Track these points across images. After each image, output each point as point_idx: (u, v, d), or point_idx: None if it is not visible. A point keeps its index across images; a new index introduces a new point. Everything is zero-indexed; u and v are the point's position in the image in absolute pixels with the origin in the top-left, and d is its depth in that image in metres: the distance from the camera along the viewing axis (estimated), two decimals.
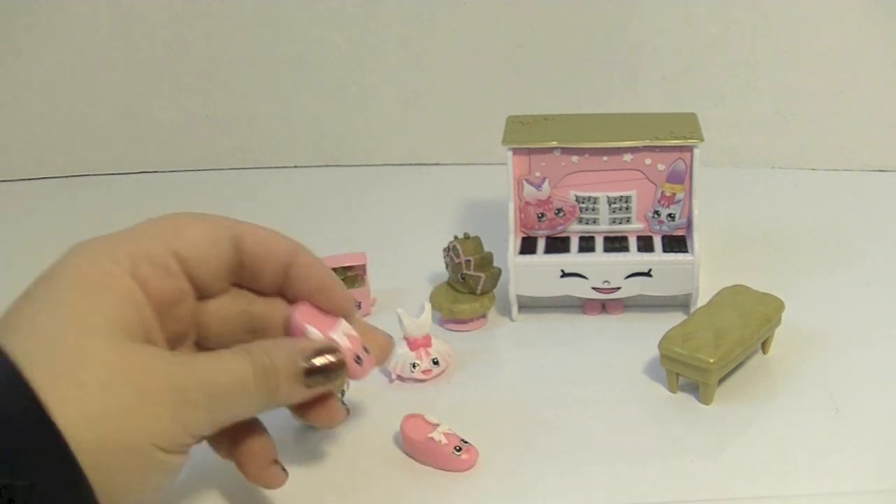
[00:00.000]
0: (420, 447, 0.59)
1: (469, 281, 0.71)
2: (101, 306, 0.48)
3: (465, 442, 0.59)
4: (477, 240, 0.72)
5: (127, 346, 0.47)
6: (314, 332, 0.53)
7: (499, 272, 0.72)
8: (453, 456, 0.59)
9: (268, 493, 0.57)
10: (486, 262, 0.72)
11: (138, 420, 0.46)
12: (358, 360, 0.54)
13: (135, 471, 0.47)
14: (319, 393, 0.53)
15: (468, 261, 0.71)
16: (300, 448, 0.61)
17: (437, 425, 0.60)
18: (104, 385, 0.45)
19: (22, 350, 0.45)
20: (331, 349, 0.52)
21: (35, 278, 0.49)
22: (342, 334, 0.54)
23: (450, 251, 0.72)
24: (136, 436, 0.46)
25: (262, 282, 0.55)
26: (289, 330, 0.54)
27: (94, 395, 0.45)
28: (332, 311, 0.55)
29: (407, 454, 0.60)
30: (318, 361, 0.52)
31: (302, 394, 0.52)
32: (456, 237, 0.72)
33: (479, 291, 0.71)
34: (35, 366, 0.45)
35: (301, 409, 0.54)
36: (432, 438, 0.59)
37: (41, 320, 0.46)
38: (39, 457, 0.43)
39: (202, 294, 0.54)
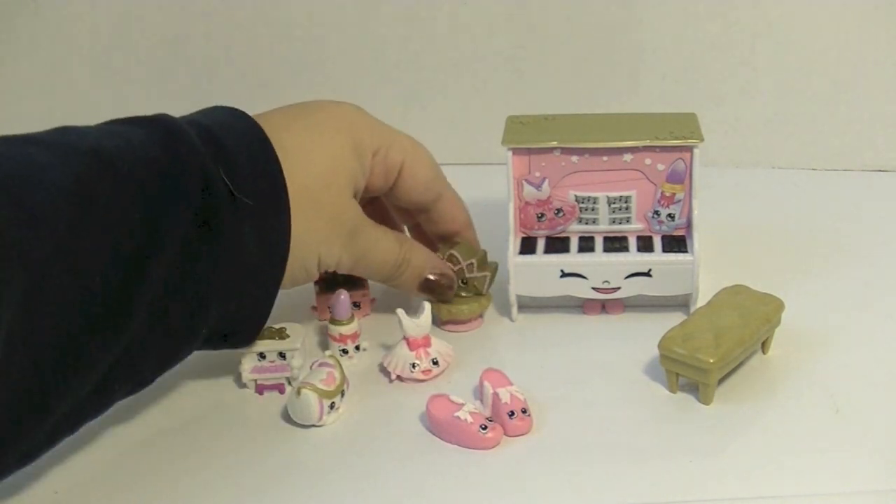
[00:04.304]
0: (446, 426, 0.60)
1: (475, 283, 0.71)
2: (350, 166, 0.65)
3: (490, 420, 0.60)
4: (470, 248, 0.73)
5: (346, 196, 0.65)
6: (488, 386, 0.63)
7: (496, 266, 0.72)
8: (479, 434, 0.59)
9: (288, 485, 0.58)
10: (484, 260, 0.72)
11: (323, 243, 0.64)
12: (512, 414, 0.61)
13: (297, 273, 0.64)
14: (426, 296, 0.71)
15: (470, 264, 0.71)
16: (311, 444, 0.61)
17: (463, 404, 0.61)
18: (321, 206, 0.63)
19: (278, 139, 0.62)
20: (448, 275, 0.70)
21: (315, 102, 0.68)
22: (507, 393, 0.62)
23: (448, 260, 0.72)
24: (314, 251, 0.64)
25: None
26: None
27: (312, 208, 0.63)
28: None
29: (433, 433, 0.61)
30: (435, 278, 0.70)
31: (411, 292, 0.71)
32: (447, 245, 0.72)
33: (485, 290, 0.72)
34: (286, 164, 0.62)
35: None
36: (458, 417, 0.60)
37: (301, 134, 0.64)
38: (271, 231, 0.61)
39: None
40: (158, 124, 0.59)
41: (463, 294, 0.72)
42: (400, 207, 0.74)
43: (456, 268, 0.72)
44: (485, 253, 0.73)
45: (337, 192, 0.64)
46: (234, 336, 0.63)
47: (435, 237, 0.74)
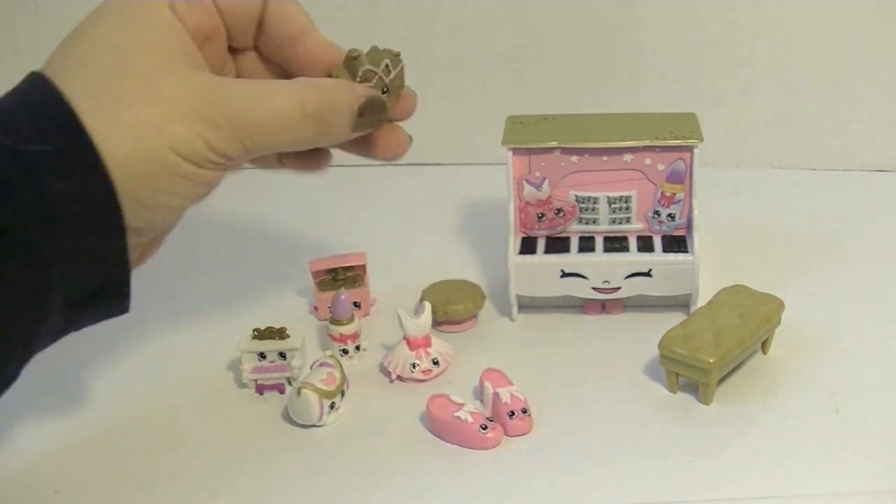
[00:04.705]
0: (446, 426, 0.60)
1: (395, 82, 0.62)
2: (142, 34, 0.53)
3: (490, 420, 0.60)
4: (370, 52, 0.62)
5: (164, 65, 0.53)
6: (489, 386, 0.62)
7: (399, 52, 0.62)
8: (479, 434, 0.60)
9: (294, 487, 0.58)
10: (391, 55, 0.62)
11: (163, 130, 0.51)
12: (512, 414, 0.60)
13: (159, 178, 0.52)
14: (358, 135, 0.58)
15: (386, 66, 0.61)
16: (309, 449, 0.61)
17: (463, 404, 0.61)
18: (136, 99, 0.51)
19: (63, 72, 0.53)
20: (372, 94, 0.58)
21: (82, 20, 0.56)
22: (507, 393, 0.61)
23: (365, 77, 0.61)
24: (160, 144, 0.51)
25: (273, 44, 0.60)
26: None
27: (126, 108, 0.51)
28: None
29: (433, 433, 0.61)
30: (364, 102, 0.56)
31: (348, 135, 0.57)
32: (342, 67, 0.61)
33: (404, 81, 0.63)
34: (76, 87, 0.51)
35: (370, 145, 0.61)
36: (458, 417, 0.60)
37: (85, 50, 0.54)
38: (73, 163, 0.50)
39: (230, 43, 0.59)
40: None
41: (391, 101, 0.62)
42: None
43: (374, 80, 0.61)
44: (382, 49, 0.62)
45: (149, 77, 0.52)
46: (102, 293, 0.53)
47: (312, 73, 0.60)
